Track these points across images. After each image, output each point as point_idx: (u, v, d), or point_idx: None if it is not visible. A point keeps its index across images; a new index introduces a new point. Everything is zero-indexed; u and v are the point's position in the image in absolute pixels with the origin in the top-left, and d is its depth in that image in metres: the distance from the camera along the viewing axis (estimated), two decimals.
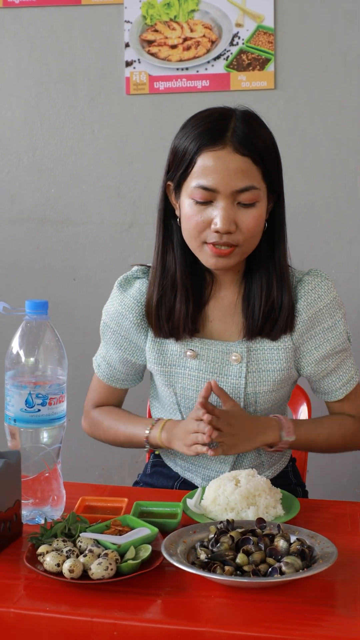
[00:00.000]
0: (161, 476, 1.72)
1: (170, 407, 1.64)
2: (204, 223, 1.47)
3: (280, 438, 1.52)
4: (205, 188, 1.45)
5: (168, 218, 1.57)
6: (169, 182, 1.54)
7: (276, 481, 1.67)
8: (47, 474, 1.35)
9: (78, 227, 2.72)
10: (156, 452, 1.67)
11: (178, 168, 1.50)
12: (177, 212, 1.54)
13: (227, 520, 1.23)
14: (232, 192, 1.45)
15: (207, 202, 1.46)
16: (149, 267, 1.62)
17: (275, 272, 1.54)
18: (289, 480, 1.73)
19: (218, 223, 1.45)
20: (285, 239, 1.57)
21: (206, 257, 1.50)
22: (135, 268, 1.65)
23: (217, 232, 1.46)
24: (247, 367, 1.56)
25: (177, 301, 1.55)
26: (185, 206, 1.49)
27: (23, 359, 1.34)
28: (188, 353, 1.58)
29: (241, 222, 1.46)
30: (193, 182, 1.47)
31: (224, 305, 1.60)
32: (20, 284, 2.76)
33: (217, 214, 1.45)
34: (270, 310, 1.54)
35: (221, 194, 1.45)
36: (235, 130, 1.45)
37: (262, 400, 1.58)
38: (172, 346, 1.59)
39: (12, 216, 2.75)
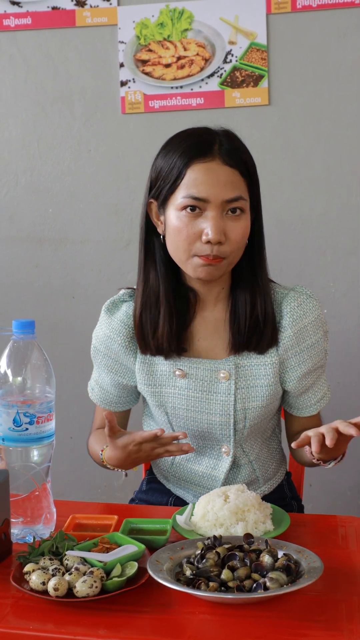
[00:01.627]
0: (156, 492, 1.72)
1: (163, 427, 1.64)
2: (194, 235, 1.48)
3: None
4: (196, 198, 1.47)
5: (149, 236, 1.58)
6: (150, 200, 1.56)
7: (271, 495, 1.68)
8: (37, 493, 1.36)
9: (76, 246, 2.74)
10: (124, 475, 1.67)
11: (164, 184, 1.51)
12: (159, 230, 1.56)
13: (215, 536, 1.23)
14: (222, 202, 1.47)
15: (197, 214, 1.47)
16: (134, 289, 1.64)
17: (258, 286, 1.56)
18: (284, 494, 1.73)
19: (210, 233, 1.46)
20: (264, 252, 1.59)
21: (194, 268, 1.51)
22: (122, 292, 1.67)
23: (208, 242, 1.47)
24: (235, 384, 1.57)
25: (160, 318, 1.56)
26: (173, 219, 1.50)
27: (10, 378, 1.35)
28: (177, 372, 1.58)
29: (230, 232, 1.48)
30: (182, 193, 1.48)
31: (210, 323, 1.60)
32: (20, 303, 2.78)
33: (207, 225, 1.46)
34: (256, 323, 1.55)
35: (212, 204, 1.47)
36: (221, 144, 1.49)
37: (252, 416, 1.59)
38: (161, 367, 1.60)
39: (10, 235, 2.78)
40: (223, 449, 1.61)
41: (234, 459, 1.62)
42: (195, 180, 1.47)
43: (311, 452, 1.42)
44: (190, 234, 1.48)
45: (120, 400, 1.69)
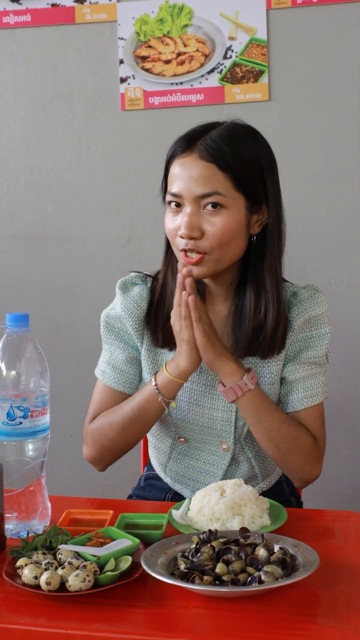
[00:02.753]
0: (153, 488, 1.71)
1: (165, 420, 1.63)
2: (174, 229, 1.49)
3: (240, 377, 1.48)
4: (172, 194, 1.48)
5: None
6: (165, 194, 1.56)
7: (270, 491, 1.66)
8: (31, 488, 1.35)
9: (77, 243, 2.73)
10: (173, 405, 1.55)
11: (164, 179, 1.54)
12: None
13: (210, 531, 1.21)
14: (194, 198, 1.45)
15: (177, 210, 1.48)
16: (147, 275, 1.64)
17: (265, 287, 1.52)
18: (283, 490, 1.71)
19: (182, 228, 1.46)
20: (281, 254, 1.55)
21: (182, 263, 1.50)
22: (133, 274, 1.65)
23: (181, 237, 1.47)
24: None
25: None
26: (165, 214, 1.52)
27: (4, 372, 1.34)
28: None
29: (207, 228, 1.46)
30: (168, 190, 1.50)
31: (217, 320, 1.59)
32: (20, 301, 2.77)
33: (181, 220, 1.47)
34: (260, 328, 1.52)
35: (185, 199, 1.46)
36: (206, 139, 1.47)
37: None
38: (166, 357, 1.59)
39: (11, 233, 2.77)
40: (223, 445, 1.59)
41: (233, 456, 1.60)
42: (173, 176, 1.48)
43: None
44: (172, 229, 1.50)
45: (134, 379, 1.63)
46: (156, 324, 1.58)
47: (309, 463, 1.55)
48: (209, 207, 1.45)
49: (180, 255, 1.50)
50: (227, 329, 1.58)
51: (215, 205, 1.45)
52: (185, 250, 1.47)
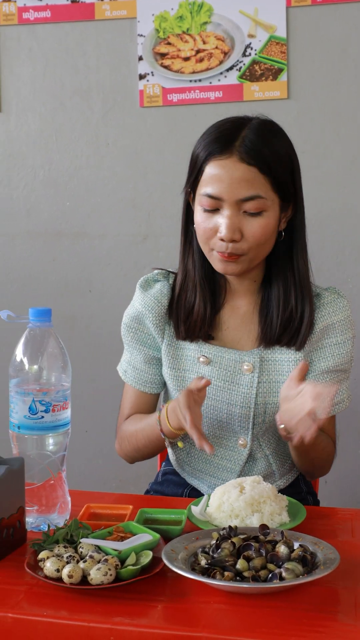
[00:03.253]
0: (171, 484, 1.71)
1: None
2: (211, 230, 1.49)
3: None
4: (210, 196, 1.47)
5: (188, 223, 1.59)
6: (188, 189, 1.56)
7: (287, 490, 1.67)
8: (52, 482, 1.36)
9: (94, 240, 2.74)
10: (179, 445, 1.58)
11: (191, 176, 1.53)
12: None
13: (230, 527, 1.22)
14: (236, 201, 1.46)
15: (214, 210, 1.48)
16: (169, 272, 1.65)
17: (294, 280, 1.55)
18: (300, 489, 1.71)
19: (223, 231, 1.46)
20: (306, 249, 1.57)
21: (215, 262, 1.53)
22: (156, 271, 1.67)
23: (222, 240, 1.47)
24: (258, 378, 1.56)
25: (195, 303, 1.57)
26: (196, 213, 1.52)
27: (27, 366, 1.34)
28: (201, 359, 1.58)
29: (247, 230, 1.47)
30: (202, 189, 1.49)
31: (240, 314, 1.60)
32: (37, 297, 2.78)
33: (222, 222, 1.47)
34: (289, 319, 1.55)
35: (226, 202, 1.46)
36: (244, 140, 1.46)
37: (271, 411, 1.57)
38: (187, 351, 1.60)
39: (28, 230, 2.78)
40: (240, 441, 1.60)
41: (250, 452, 1.60)
42: (211, 177, 1.47)
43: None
44: (207, 230, 1.49)
45: (154, 379, 1.65)
46: (178, 317, 1.59)
47: (330, 464, 1.63)
48: (250, 210, 1.46)
49: (213, 254, 1.51)
50: (252, 323, 1.59)
51: (256, 207, 1.46)
52: (222, 253, 1.49)
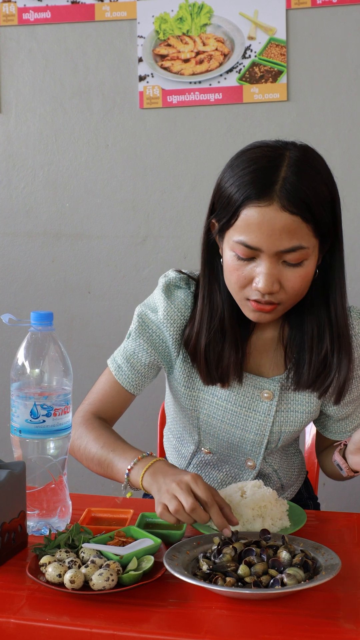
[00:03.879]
0: None
1: (189, 426, 1.58)
2: (245, 279, 1.37)
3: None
4: (247, 245, 1.33)
5: (212, 257, 1.46)
6: (213, 221, 1.42)
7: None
8: (53, 486, 1.36)
9: (93, 241, 2.74)
10: (127, 495, 1.41)
11: (222, 214, 1.38)
12: (220, 252, 1.44)
13: (232, 532, 1.22)
14: (276, 252, 1.33)
15: (249, 258, 1.35)
16: (190, 277, 1.54)
17: (330, 325, 1.44)
18: (301, 495, 1.72)
19: (260, 283, 1.34)
20: (344, 289, 1.44)
21: (247, 311, 1.42)
22: (176, 274, 1.53)
23: (258, 290, 1.36)
24: (277, 406, 1.51)
25: (226, 347, 1.47)
26: (227, 257, 1.39)
27: (28, 370, 1.34)
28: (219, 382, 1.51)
29: (286, 281, 1.35)
30: (235, 236, 1.35)
31: (263, 341, 1.53)
32: (36, 297, 2.78)
33: (259, 273, 1.34)
34: (323, 366, 1.45)
35: (265, 253, 1.33)
36: (284, 183, 1.30)
37: (285, 438, 1.54)
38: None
39: (27, 230, 2.78)
40: (249, 462, 1.56)
41: (259, 471, 1.58)
42: (248, 226, 1.32)
43: (349, 468, 1.41)
44: (241, 278, 1.37)
45: (145, 382, 1.56)
46: (210, 361, 1.47)
47: None
48: (291, 261, 1.34)
49: (245, 303, 1.41)
50: (275, 351, 1.52)
51: (297, 258, 1.34)
52: (257, 302, 1.38)
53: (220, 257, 1.44)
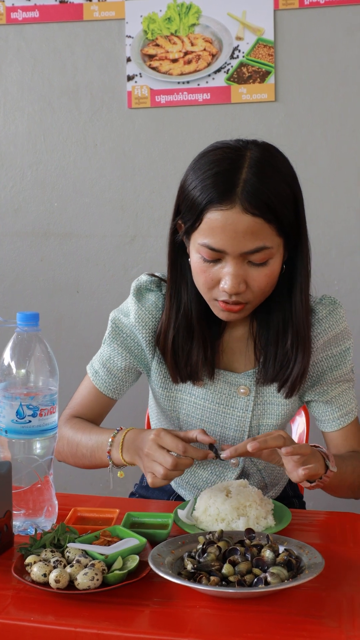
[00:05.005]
0: (156, 490, 1.71)
1: (171, 428, 1.59)
2: (212, 280, 1.39)
3: (325, 469, 1.37)
4: (212, 248, 1.35)
5: (179, 257, 1.48)
6: (179, 222, 1.44)
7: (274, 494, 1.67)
8: (39, 485, 1.36)
9: (81, 240, 2.75)
10: (119, 474, 1.47)
11: (186, 217, 1.39)
12: (188, 252, 1.45)
13: (216, 531, 1.23)
14: (241, 254, 1.35)
15: (215, 260, 1.37)
16: (161, 279, 1.56)
17: (292, 321, 1.46)
18: (287, 493, 1.72)
19: (227, 284, 1.36)
20: (308, 285, 1.47)
21: (217, 311, 1.44)
22: (145, 278, 1.56)
23: (225, 291, 1.38)
24: (254, 400, 1.53)
25: (194, 345, 1.49)
26: (194, 259, 1.41)
27: (14, 370, 1.35)
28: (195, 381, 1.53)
29: (252, 280, 1.38)
30: (200, 238, 1.37)
31: (234, 338, 1.54)
32: (24, 297, 2.78)
33: (225, 274, 1.36)
34: (284, 360, 1.48)
35: (229, 255, 1.35)
36: (245, 185, 1.32)
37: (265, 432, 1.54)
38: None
39: (16, 230, 2.78)
40: (232, 461, 1.57)
41: (243, 469, 1.59)
42: (212, 229, 1.34)
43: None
44: (209, 280, 1.39)
45: (123, 387, 1.59)
46: (179, 361, 1.49)
47: None
48: (256, 261, 1.36)
49: (214, 303, 1.43)
50: (247, 347, 1.54)
51: (262, 258, 1.36)
52: (225, 303, 1.40)
53: (187, 256, 1.45)
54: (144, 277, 1.56)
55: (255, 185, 1.32)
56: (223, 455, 1.33)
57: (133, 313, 1.54)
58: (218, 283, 1.39)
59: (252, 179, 1.32)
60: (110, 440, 1.44)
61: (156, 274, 1.58)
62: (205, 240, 1.36)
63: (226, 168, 1.34)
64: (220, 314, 1.44)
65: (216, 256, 1.37)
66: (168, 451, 1.31)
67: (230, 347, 1.55)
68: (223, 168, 1.34)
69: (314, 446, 1.39)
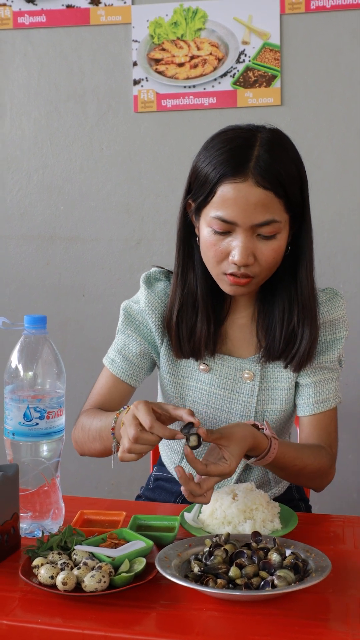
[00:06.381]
0: (163, 491, 1.72)
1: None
2: (222, 253, 1.44)
3: (267, 448, 1.38)
4: (224, 220, 1.41)
5: (188, 236, 1.53)
6: (189, 201, 1.50)
7: (280, 497, 1.67)
8: (46, 488, 1.36)
9: (87, 244, 2.75)
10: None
11: (198, 193, 1.45)
12: (196, 231, 1.51)
13: (223, 534, 1.23)
14: (251, 226, 1.40)
15: (225, 233, 1.43)
16: (170, 271, 1.61)
17: (297, 298, 1.51)
18: (292, 496, 1.72)
19: (236, 256, 1.41)
20: (312, 265, 1.52)
21: (224, 285, 1.49)
22: (156, 269, 1.63)
23: (235, 264, 1.43)
24: (259, 385, 1.56)
25: (198, 320, 1.53)
26: (204, 234, 1.46)
27: (22, 373, 1.35)
28: (201, 367, 1.57)
29: (260, 254, 1.43)
30: (212, 211, 1.42)
31: (240, 323, 1.59)
32: (31, 300, 2.79)
33: (235, 246, 1.42)
34: (291, 337, 1.52)
35: (240, 227, 1.41)
36: (258, 161, 1.38)
37: (270, 419, 1.57)
38: (187, 361, 1.59)
39: (22, 233, 2.79)
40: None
41: (245, 463, 1.59)
42: (225, 201, 1.40)
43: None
44: (218, 253, 1.44)
45: (140, 373, 1.61)
46: (179, 336, 1.54)
47: (326, 477, 1.55)
48: (265, 233, 1.42)
49: (222, 277, 1.47)
50: (252, 332, 1.57)
51: (271, 231, 1.41)
52: (233, 276, 1.44)
53: (195, 237, 1.52)
54: (153, 269, 1.64)
55: (268, 161, 1.39)
56: (190, 443, 1.28)
57: (143, 299, 1.59)
58: (227, 256, 1.44)
59: (264, 155, 1.39)
60: (115, 416, 1.44)
61: (164, 267, 1.64)
62: (218, 212, 1.41)
63: (239, 145, 1.41)
64: (228, 289, 1.48)
65: (227, 228, 1.42)
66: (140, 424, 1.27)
67: (235, 332, 1.59)
68: (236, 145, 1.41)
69: (254, 425, 1.39)
